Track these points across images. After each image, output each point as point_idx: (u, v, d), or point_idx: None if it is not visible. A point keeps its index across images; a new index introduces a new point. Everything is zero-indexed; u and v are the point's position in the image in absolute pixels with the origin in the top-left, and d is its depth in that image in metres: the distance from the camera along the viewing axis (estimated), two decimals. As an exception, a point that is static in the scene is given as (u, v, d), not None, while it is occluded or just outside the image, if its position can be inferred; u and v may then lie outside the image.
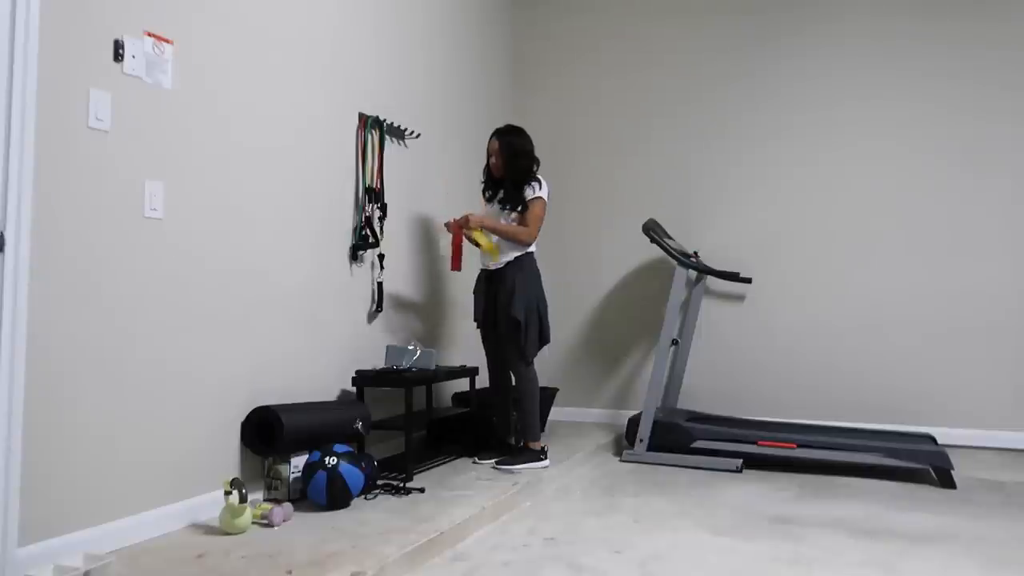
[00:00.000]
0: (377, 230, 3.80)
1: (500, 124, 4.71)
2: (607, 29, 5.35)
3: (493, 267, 3.86)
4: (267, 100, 3.15)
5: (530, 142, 3.95)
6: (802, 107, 4.87)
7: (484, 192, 4.02)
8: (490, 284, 3.88)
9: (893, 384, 4.62)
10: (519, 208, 3.81)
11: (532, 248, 3.87)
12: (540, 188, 3.85)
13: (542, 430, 4.70)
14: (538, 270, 3.91)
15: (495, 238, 3.83)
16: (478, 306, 3.92)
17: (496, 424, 4.05)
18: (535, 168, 3.91)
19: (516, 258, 3.81)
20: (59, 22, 2.30)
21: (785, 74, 4.91)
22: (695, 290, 4.80)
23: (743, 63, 5.00)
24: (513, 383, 3.94)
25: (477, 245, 3.82)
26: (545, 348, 4.04)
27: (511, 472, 3.61)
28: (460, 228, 3.88)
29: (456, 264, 3.96)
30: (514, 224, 3.82)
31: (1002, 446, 4.41)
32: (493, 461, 3.77)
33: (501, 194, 3.89)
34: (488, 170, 3.97)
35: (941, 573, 2.51)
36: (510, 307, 3.74)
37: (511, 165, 3.85)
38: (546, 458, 3.78)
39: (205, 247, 2.83)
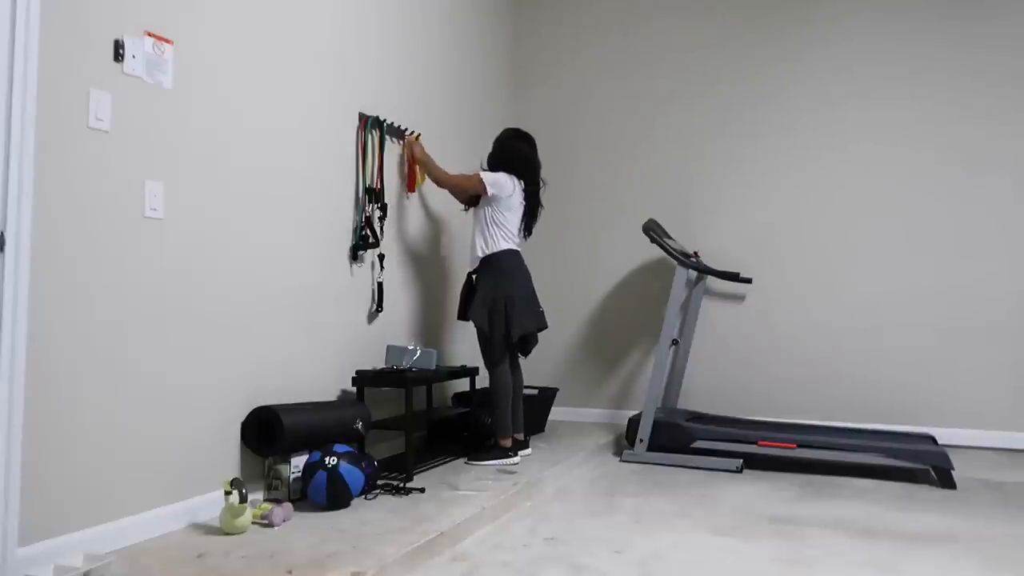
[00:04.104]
0: (377, 230, 3.81)
1: (500, 124, 4.71)
2: (607, 29, 5.35)
3: (470, 267, 3.93)
4: (267, 100, 3.15)
5: (527, 146, 3.99)
6: (802, 107, 4.87)
7: None
8: (473, 293, 3.91)
9: (893, 384, 4.62)
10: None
11: (507, 245, 3.85)
12: (491, 174, 3.84)
13: (542, 430, 4.73)
14: (514, 264, 3.86)
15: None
16: (459, 304, 4.01)
17: (490, 424, 4.06)
18: (512, 162, 3.91)
19: (484, 258, 3.84)
20: (59, 22, 2.30)
21: (786, 74, 4.91)
22: (695, 290, 4.80)
23: (744, 63, 5.00)
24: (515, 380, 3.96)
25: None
26: (544, 348, 4.04)
27: (481, 467, 3.70)
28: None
29: (411, 186, 4.17)
30: (454, 177, 3.98)
31: (1002, 446, 4.41)
32: (480, 460, 3.79)
33: None
34: None
35: (941, 573, 2.51)
36: (470, 310, 3.81)
37: (494, 156, 3.99)
38: (516, 455, 3.79)
39: (205, 247, 2.83)
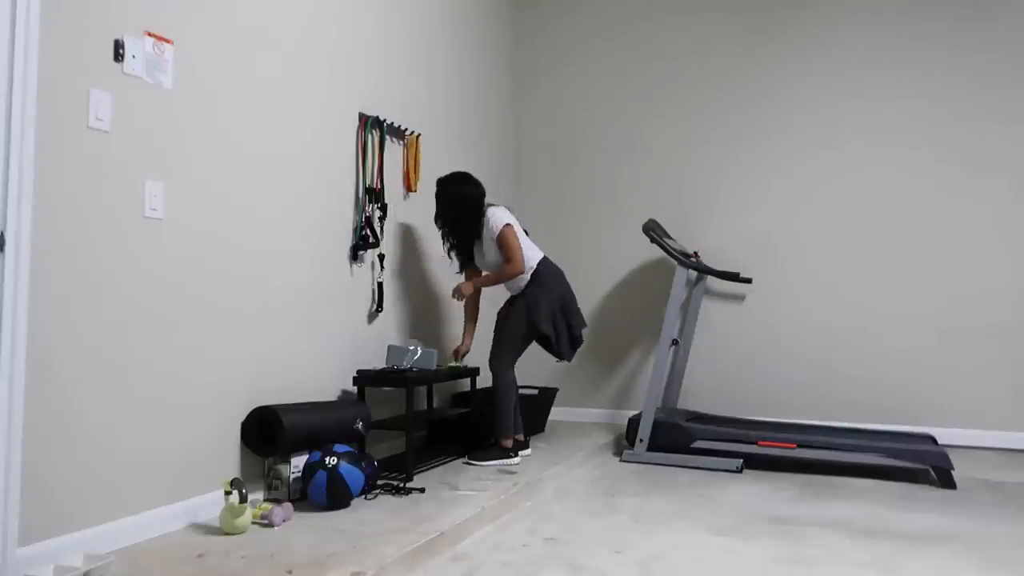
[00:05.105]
0: (377, 230, 3.81)
1: (500, 124, 4.73)
2: (607, 29, 5.35)
3: (515, 292, 3.95)
4: (267, 100, 3.15)
5: (472, 185, 3.90)
6: (802, 107, 4.87)
7: (459, 263, 4.08)
8: (513, 304, 3.94)
9: (893, 384, 4.62)
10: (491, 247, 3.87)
11: (540, 255, 3.94)
12: (496, 217, 3.82)
13: (542, 430, 4.73)
14: (552, 271, 3.95)
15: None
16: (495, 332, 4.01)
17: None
18: (481, 207, 3.87)
19: (532, 275, 3.89)
20: (59, 22, 2.30)
21: (786, 74, 4.91)
22: (695, 290, 4.80)
23: (744, 63, 5.00)
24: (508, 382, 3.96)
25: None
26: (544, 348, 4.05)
27: (481, 467, 3.71)
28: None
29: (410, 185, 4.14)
30: (496, 269, 3.90)
31: (1002, 446, 4.41)
32: (481, 460, 3.79)
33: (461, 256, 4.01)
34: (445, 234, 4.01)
35: (941, 573, 2.51)
36: (538, 323, 3.83)
37: (465, 211, 3.87)
38: (516, 455, 3.80)
39: (205, 247, 2.83)
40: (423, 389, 4.21)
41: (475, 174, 4.08)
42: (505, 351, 3.86)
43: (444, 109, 4.59)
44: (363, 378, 3.56)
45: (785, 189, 4.90)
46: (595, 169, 5.35)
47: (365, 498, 3.08)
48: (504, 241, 3.81)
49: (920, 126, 4.64)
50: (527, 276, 3.89)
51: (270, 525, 2.69)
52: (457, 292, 3.91)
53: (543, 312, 3.84)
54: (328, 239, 3.53)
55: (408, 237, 4.18)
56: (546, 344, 3.95)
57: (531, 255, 3.91)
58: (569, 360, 4.05)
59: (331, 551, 2.42)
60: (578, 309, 4.06)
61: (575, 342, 4.01)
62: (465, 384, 4.61)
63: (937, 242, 4.59)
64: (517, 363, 3.99)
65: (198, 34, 2.80)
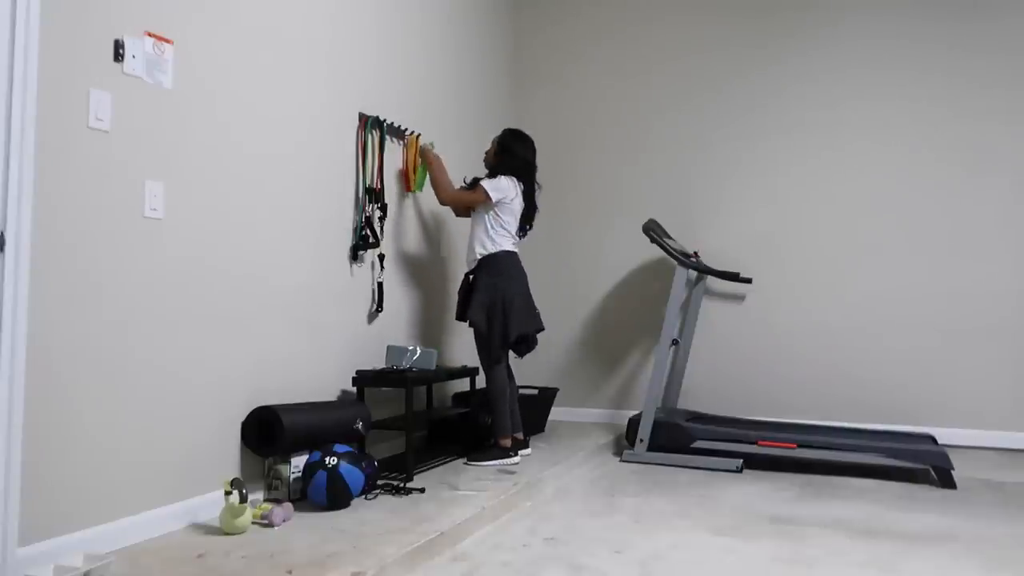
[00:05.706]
0: (377, 230, 3.81)
1: (500, 124, 4.71)
2: (607, 30, 5.35)
3: (468, 267, 3.93)
4: (267, 100, 3.15)
5: (528, 150, 3.97)
6: (802, 107, 4.87)
7: None
8: (467, 286, 3.93)
9: (893, 384, 4.62)
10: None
11: (506, 247, 3.86)
12: (493, 181, 3.82)
13: (542, 430, 4.73)
14: (512, 265, 3.87)
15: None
16: (457, 305, 3.99)
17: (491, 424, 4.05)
18: (514, 164, 3.90)
19: (483, 258, 3.84)
20: (59, 22, 2.30)
21: (785, 74, 4.91)
22: (695, 290, 4.80)
23: (744, 63, 5.00)
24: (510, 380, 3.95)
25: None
26: (544, 348, 4.04)
27: (481, 467, 3.70)
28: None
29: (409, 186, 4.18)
30: (452, 186, 3.96)
31: (1002, 446, 4.41)
32: (480, 460, 3.78)
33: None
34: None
35: (941, 573, 2.51)
36: (469, 310, 3.80)
37: (495, 157, 3.97)
38: (516, 455, 3.79)
39: (205, 247, 2.83)
40: (423, 389, 4.21)
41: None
42: (489, 350, 3.84)
43: (444, 109, 4.59)
44: (363, 378, 3.56)
45: (785, 189, 4.90)
46: (595, 169, 5.34)
47: (365, 498, 3.08)
48: (470, 189, 3.89)
49: (920, 126, 4.64)
50: (485, 253, 3.83)
51: (270, 525, 2.69)
52: (430, 146, 4.07)
53: (479, 298, 3.78)
54: (328, 239, 3.53)
55: (408, 237, 4.18)
56: (476, 335, 3.84)
57: (499, 241, 3.84)
58: (494, 361, 3.84)
59: (331, 551, 2.42)
60: (534, 315, 3.93)
61: (507, 340, 3.82)
62: (465, 384, 4.61)
63: (937, 242, 4.59)
64: (518, 363, 3.98)
65: (198, 34, 2.80)
